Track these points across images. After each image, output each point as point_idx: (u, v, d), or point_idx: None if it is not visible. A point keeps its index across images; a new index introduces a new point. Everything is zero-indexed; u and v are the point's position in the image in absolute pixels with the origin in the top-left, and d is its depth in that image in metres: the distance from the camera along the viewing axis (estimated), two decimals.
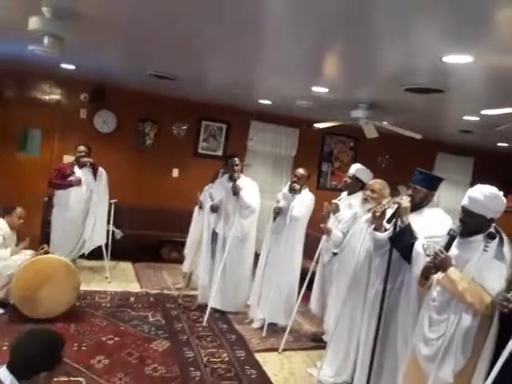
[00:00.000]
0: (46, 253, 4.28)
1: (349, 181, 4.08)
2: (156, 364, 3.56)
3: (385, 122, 5.44)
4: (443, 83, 3.76)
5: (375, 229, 3.12)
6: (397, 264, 2.97)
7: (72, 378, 3.20)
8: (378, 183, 3.66)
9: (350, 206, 3.92)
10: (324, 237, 3.98)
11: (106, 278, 5.44)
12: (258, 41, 3.23)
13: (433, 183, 3.02)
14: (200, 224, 4.98)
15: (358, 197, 3.89)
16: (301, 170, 4.48)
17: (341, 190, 4.39)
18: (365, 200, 3.65)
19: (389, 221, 3.08)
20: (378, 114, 5.17)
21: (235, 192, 4.50)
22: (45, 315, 3.89)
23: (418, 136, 5.27)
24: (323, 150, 7.85)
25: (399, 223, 2.92)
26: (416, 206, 2.98)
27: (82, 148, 5.31)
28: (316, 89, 4.56)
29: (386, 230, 3.07)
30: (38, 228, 5.91)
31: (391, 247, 2.96)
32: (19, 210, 4.37)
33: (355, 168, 4.09)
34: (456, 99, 4.40)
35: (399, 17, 2.40)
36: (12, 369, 1.72)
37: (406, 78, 3.73)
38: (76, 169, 5.25)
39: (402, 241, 2.86)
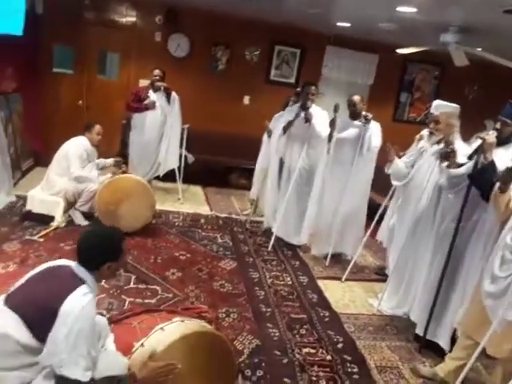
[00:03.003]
0: (124, 173, 4.57)
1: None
2: (223, 281, 3.81)
3: (478, 49, 4.88)
4: None
5: (448, 166, 2.97)
6: (472, 202, 2.83)
7: (149, 286, 3.54)
8: (442, 113, 3.33)
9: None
10: None
11: (179, 199, 5.74)
12: None
13: None
14: (268, 152, 4.98)
15: None
16: (356, 96, 4.34)
17: (419, 123, 4.13)
18: (430, 133, 3.42)
19: (470, 157, 2.88)
20: (469, 38, 4.63)
21: (307, 119, 4.38)
22: (125, 229, 4.17)
23: None
24: (403, 79, 7.28)
25: (482, 160, 2.72)
26: (503, 141, 2.75)
27: (156, 72, 5.38)
28: (402, 9, 4.14)
29: (459, 165, 2.90)
30: (116, 149, 6.25)
31: (469, 185, 2.80)
32: (97, 126, 4.61)
33: (435, 105, 3.74)
34: None
35: None
36: (82, 262, 1.90)
37: None
38: (151, 92, 5.38)
39: (483, 179, 2.68)
